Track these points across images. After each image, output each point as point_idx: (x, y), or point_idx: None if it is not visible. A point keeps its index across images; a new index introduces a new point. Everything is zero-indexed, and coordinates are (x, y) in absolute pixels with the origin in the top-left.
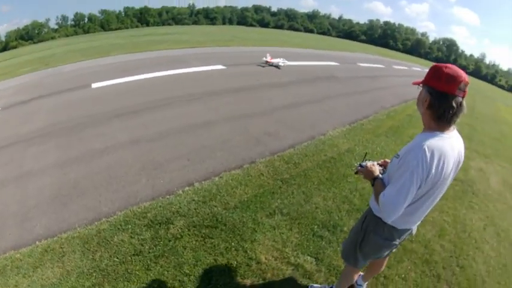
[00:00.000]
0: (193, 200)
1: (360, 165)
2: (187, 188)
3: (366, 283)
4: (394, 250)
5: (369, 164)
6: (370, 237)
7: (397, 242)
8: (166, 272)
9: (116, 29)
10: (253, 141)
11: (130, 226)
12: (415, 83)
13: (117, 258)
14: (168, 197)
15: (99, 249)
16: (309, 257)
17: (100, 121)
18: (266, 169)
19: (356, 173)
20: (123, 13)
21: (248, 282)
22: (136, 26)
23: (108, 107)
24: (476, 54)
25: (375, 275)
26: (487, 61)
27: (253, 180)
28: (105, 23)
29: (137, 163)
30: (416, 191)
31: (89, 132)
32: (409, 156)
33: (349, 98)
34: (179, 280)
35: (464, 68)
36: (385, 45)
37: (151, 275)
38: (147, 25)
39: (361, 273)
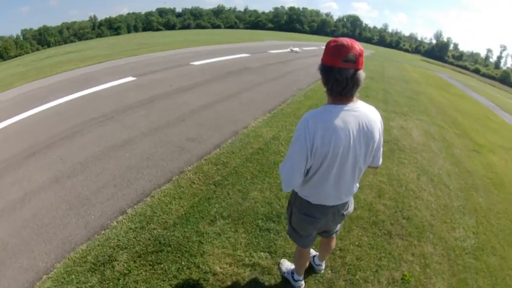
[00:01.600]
0: (131, 229)
1: None
2: (121, 218)
3: (324, 261)
4: (334, 232)
5: None
6: (293, 210)
7: (317, 218)
8: None
9: (16, 56)
10: (177, 151)
11: (73, 276)
12: None
13: None
14: (103, 232)
15: None
16: (262, 253)
17: (14, 165)
18: (196, 176)
19: None
20: (21, 37)
21: None
22: (37, 49)
23: (20, 146)
24: (379, 26)
25: (330, 253)
26: (390, 30)
27: (185, 191)
28: (3, 51)
29: (63, 204)
30: (305, 161)
31: (3, 181)
32: (295, 129)
33: (266, 86)
34: None
35: (369, 40)
36: (293, 30)
37: None
38: (49, 46)
39: (317, 253)
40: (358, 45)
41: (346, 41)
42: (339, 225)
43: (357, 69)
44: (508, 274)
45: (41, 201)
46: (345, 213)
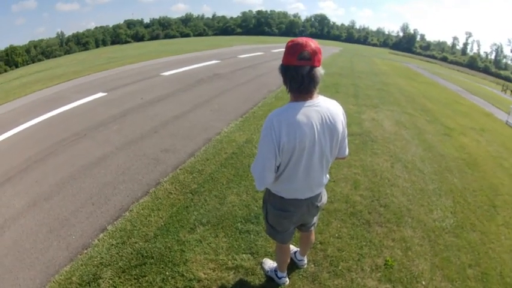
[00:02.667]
0: (112, 245)
1: None
2: (101, 235)
3: (306, 256)
4: (311, 225)
5: None
6: (268, 207)
7: (292, 212)
8: None
9: None
10: (152, 163)
11: None
12: None
13: None
14: (85, 251)
15: None
16: (244, 255)
17: None
18: (172, 186)
19: None
20: None
21: None
22: (5, 70)
23: None
24: (346, 23)
25: (310, 247)
26: (357, 26)
27: (163, 202)
28: None
29: (43, 227)
30: (274, 158)
31: None
32: (262, 129)
33: (236, 91)
34: None
35: (338, 37)
36: (262, 33)
37: None
38: (16, 66)
39: (297, 249)
40: (314, 43)
41: (301, 39)
42: (315, 218)
43: (313, 66)
44: (490, 248)
45: (20, 226)
46: (318, 204)
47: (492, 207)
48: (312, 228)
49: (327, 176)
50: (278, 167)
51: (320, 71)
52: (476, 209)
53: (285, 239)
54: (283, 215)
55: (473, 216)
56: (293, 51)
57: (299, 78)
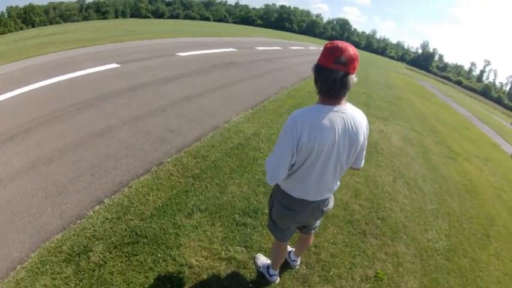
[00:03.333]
0: (107, 219)
1: None
2: (97, 207)
3: (299, 257)
4: (313, 228)
5: None
6: (275, 203)
7: (297, 212)
8: None
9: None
10: (157, 141)
11: (48, 267)
12: None
13: None
14: (79, 222)
15: None
16: (238, 248)
17: None
18: (175, 168)
19: None
20: (5, 14)
21: None
22: (21, 28)
23: None
24: (367, 31)
25: (306, 249)
26: (377, 36)
27: (164, 182)
28: None
29: (39, 191)
30: (290, 156)
31: None
32: (284, 125)
33: (249, 82)
34: None
35: (357, 44)
36: (282, 28)
37: None
38: (33, 26)
39: (293, 249)
40: (353, 50)
41: (341, 44)
42: (318, 221)
43: (347, 73)
44: (479, 275)
45: (16, 187)
46: (324, 209)
47: (486, 237)
48: (313, 231)
49: (338, 183)
50: (292, 166)
51: (353, 78)
52: (471, 235)
53: (285, 237)
54: (288, 213)
55: (467, 243)
56: (331, 53)
57: (331, 82)
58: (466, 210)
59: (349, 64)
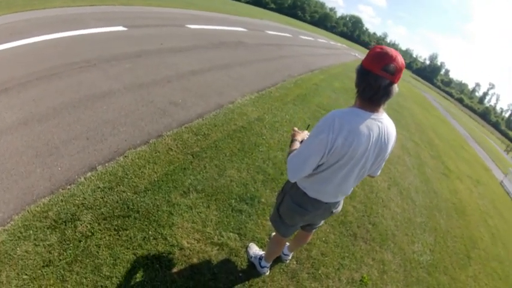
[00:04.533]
0: (99, 188)
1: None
2: (89, 174)
3: (292, 253)
4: (316, 227)
5: (299, 130)
6: (286, 198)
7: (309, 211)
8: (84, 280)
9: None
10: (158, 113)
11: (32, 232)
12: None
13: (26, 274)
14: (69, 187)
15: (3, 267)
16: (231, 234)
17: None
18: (174, 143)
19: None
20: None
21: (175, 271)
22: None
23: None
24: (379, 33)
25: (301, 246)
26: (388, 40)
27: (161, 156)
28: None
29: (29, 149)
30: (320, 156)
31: None
32: (319, 121)
33: (257, 65)
34: (101, 286)
35: (366, 44)
36: (294, 16)
37: (68, 286)
38: None
39: (287, 244)
40: (401, 60)
41: (391, 51)
42: (323, 221)
43: (392, 82)
44: None
45: (5, 143)
46: (334, 211)
47: (467, 257)
48: (314, 230)
49: (352, 188)
50: (319, 166)
51: (396, 88)
52: (453, 254)
53: (288, 233)
54: (299, 211)
55: (448, 260)
56: (380, 59)
57: (375, 88)
58: (452, 228)
59: (396, 74)
